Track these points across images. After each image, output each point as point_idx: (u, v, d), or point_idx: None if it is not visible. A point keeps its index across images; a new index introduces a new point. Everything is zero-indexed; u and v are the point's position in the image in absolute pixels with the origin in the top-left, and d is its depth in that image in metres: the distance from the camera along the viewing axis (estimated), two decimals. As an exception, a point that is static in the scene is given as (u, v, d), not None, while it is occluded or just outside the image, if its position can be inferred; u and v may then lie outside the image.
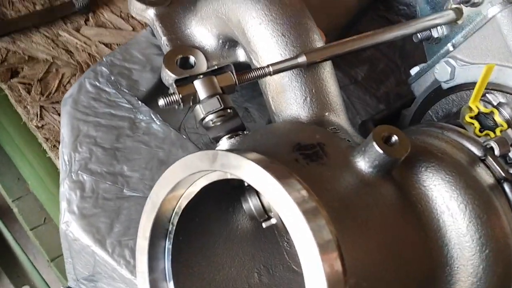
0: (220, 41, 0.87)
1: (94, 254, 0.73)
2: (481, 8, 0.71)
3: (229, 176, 0.54)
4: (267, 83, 0.76)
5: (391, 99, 1.18)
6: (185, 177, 0.55)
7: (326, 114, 0.73)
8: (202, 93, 0.62)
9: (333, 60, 1.25)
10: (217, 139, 0.66)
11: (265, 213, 0.63)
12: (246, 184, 0.62)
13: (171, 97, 0.62)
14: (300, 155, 0.54)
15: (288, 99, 0.74)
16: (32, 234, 1.14)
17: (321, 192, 0.50)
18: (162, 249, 0.61)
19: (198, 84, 0.63)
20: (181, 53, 0.84)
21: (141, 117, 0.81)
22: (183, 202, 0.59)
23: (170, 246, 0.61)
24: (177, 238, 0.61)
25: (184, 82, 0.63)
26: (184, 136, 0.83)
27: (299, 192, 0.47)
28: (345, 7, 1.10)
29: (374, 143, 0.52)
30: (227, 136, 0.65)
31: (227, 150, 0.52)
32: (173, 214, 0.60)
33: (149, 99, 0.84)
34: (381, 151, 0.51)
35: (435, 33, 0.82)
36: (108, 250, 0.71)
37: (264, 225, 0.64)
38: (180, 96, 0.62)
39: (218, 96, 0.62)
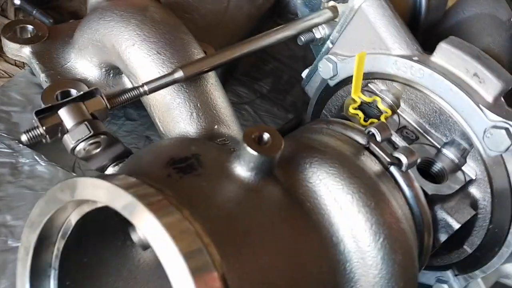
0: (103, 70, 0.84)
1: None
2: (350, 1, 0.72)
3: (99, 205, 0.50)
4: (151, 105, 0.73)
5: (299, 107, 1.18)
6: (53, 214, 0.50)
7: (216, 127, 0.70)
8: (68, 121, 0.58)
9: (235, 76, 1.23)
10: (102, 169, 0.62)
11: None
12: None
13: (34, 131, 0.57)
14: (174, 169, 0.50)
15: (174, 117, 0.70)
16: None
17: (196, 205, 0.47)
18: (45, 299, 0.55)
19: (63, 113, 0.58)
20: (60, 88, 0.79)
21: (23, 161, 0.75)
22: (60, 243, 0.54)
23: (55, 294, 0.55)
24: (63, 284, 0.55)
25: (48, 113, 0.59)
26: (75, 174, 0.77)
27: (165, 211, 0.43)
28: (238, 25, 1.10)
29: (246, 145, 0.49)
30: (112, 165, 0.61)
31: (89, 176, 0.48)
32: (53, 257, 0.54)
33: (32, 140, 0.78)
34: (254, 152, 0.49)
35: (317, 34, 0.82)
36: (-6, 311, 0.63)
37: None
38: (44, 128, 0.57)
39: (86, 123, 0.58)
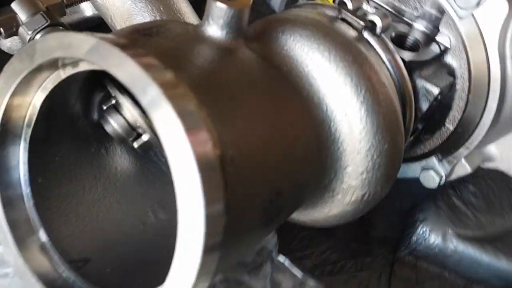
0: (59, -3, 0.80)
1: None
2: None
3: (62, 75, 0.46)
4: (112, 15, 0.69)
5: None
6: (14, 97, 0.47)
7: (182, 29, 0.68)
8: (22, 14, 0.54)
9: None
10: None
11: (133, 129, 0.55)
12: (104, 108, 0.55)
13: (-13, 26, 0.54)
14: (139, 34, 0.47)
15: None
16: None
17: (175, 63, 0.44)
18: (19, 197, 0.51)
19: (16, 5, 0.54)
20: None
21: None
22: (27, 133, 0.50)
23: (29, 191, 0.51)
24: (36, 182, 0.52)
25: (1, 9, 0.55)
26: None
27: (153, 66, 0.39)
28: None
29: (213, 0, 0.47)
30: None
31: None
32: (21, 150, 0.51)
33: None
34: (223, 5, 0.47)
35: None
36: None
37: (135, 144, 0.56)
38: (-3, 22, 0.54)
39: (42, 13, 0.54)
